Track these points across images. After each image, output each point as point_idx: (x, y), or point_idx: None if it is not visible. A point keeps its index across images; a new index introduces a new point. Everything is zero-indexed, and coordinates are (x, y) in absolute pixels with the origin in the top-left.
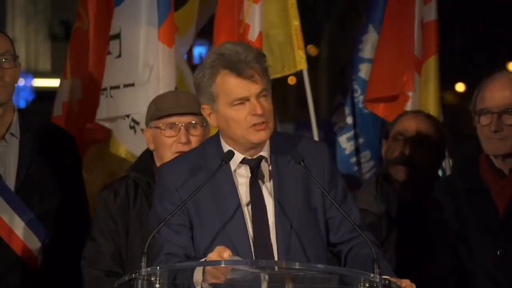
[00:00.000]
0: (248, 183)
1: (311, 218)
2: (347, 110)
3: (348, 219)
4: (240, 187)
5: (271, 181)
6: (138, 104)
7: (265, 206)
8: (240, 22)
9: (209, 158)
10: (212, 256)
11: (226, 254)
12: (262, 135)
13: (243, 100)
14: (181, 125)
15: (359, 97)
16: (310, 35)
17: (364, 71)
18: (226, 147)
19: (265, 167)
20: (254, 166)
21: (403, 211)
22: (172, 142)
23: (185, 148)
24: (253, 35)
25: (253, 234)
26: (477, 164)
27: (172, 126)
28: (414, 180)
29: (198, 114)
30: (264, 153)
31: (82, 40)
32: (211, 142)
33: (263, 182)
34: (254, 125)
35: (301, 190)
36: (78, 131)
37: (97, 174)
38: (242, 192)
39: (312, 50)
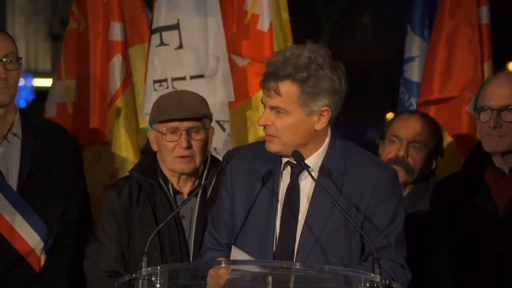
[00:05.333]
0: (287, 186)
1: (343, 235)
2: None
3: (367, 239)
4: (283, 187)
5: (311, 190)
6: (209, 94)
7: (297, 212)
8: (244, 12)
9: (269, 152)
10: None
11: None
12: (267, 145)
13: (263, 105)
14: (183, 130)
15: (404, 98)
16: (310, 35)
17: (408, 72)
18: None
19: (309, 175)
20: (296, 171)
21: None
22: (173, 146)
23: (187, 153)
24: (263, 26)
25: (278, 236)
26: (477, 163)
27: (173, 131)
28: (409, 181)
29: (200, 118)
30: (311, 161)
31: (78, 41)
32: None
33: (304, 190)
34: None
35: (341, 206)
36: (73, 132)
37: (95, 175)
38: (282, 192)
39: None
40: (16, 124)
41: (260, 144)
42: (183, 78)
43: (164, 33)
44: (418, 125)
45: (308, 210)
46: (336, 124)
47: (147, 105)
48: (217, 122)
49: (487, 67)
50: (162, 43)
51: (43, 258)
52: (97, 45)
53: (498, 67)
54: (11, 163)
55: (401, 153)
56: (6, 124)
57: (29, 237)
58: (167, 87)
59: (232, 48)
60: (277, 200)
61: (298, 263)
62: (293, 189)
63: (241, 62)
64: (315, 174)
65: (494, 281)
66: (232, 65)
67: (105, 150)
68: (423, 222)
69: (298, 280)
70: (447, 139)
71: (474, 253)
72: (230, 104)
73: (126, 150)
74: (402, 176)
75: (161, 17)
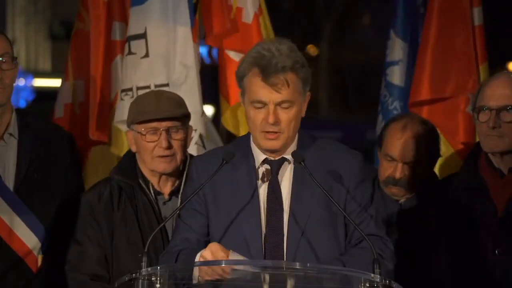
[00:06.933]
0: (268, 183)
1: (328, 222)
2: (381, 117)
3: (355, 226)
4: (260, 185)
5: (291, 183)
6: None
7: (281, 207)
8: (230, 7)
9: (237, 153)
10: (205, 254)
11: (220, 254)
12: (271, 144)
13: (262, 104)
14: (162, 130)
15: (387, 101)
16: (310, 35)
17: (392, 75)
18: (253, 145)
19: (288, 169)
20: (275, 167)
21: (401, 212)
22: (153, 146)
23: (167, 153)
24: (248, 18)
25: (265, 233)
26: (476, 163)
27: (153, 131)
28: (410, 195)
29: (179, 117)
30: (288, 155)
31: (84, 41)
32: (244, 138)
33: (283, 183)
34: (266, 132)
35: (321, 194)
36: (80, 133)
37: (98, 175)
38: (261, 191)
39: (312, 50)
40: (12, 124)
41: (225, 147)
42: (148, 87)
43: (132, 42)
44: (413, 144)
45: (290, 204)
46: (336, 124)
47: (117, 114)
48: None
49: (482, 69)
50: (130, 52)
51: (40, 258)
52: (99, 45)
53: (495, 69)
54: (8, 163)
55: (398, 175)
56: (3, 124)
57: (27, 237)
58: (132, 96)
59: (226, 44)
60: (258, 198)
61: (298, 263)
62: (275, 186)
63: (236, 56)
64: (292, 166)
65: (493, 281)
66: (229, 61)
67: (107, 150)
68: (422, 222)
69: (297, 280)
70: (442, 139)
71: (473, 254)
72: (228, 101)
73: (126, 150)
74: (401, 193)
75: (131, 26)
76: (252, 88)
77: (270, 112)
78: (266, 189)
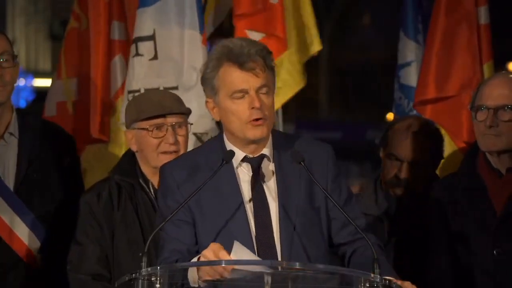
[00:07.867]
0: (250, 182)
1: (313, 218)
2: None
3: (351, 222)
4: (243, 185)
5: (274, 180)
6: None
7: (267, 205)
8: None
9: (212, 156)
10: (207, 254)
11: (222, 253)
12: (259, 131)
13: (242, 93)
14: (168, 126)
15: (403, 104)
16: None
17: (405, 77)
18: (228, 145)
19: (267, 166)
20: (256, 164)
21: (402, 212)
22: (158, 142)
23: (173, 148)
24: None
25: (256, 233)
26: (475, 163)
27: (159, 127)
28: (410, 194)
29: (182, 113)
30: (266, 151)
31: (79, 40)
32: (215, 140)
33: (266, 181)
34: (252, 120)
35: (304, 189)
36: (73, 132)
37: (95, 174)
38: (244, 191)
39: None
40: (13, 124)
41: (191, 153)
42: (157, 89)
43: (139, 44)
44: (417, 144)
45: (279, 200)
46: (336, 124)
47: (123, 115)
48: (195, 134)
49: (487, 67)
50: (137, 54)
51: (39, 258)
52: (98, 45)
53: (499, 67)
54: (8, 162)
55: (403, 175)
56: (3, 123)
57: (26, 237)
58: None
59: (248, 24)
60: (243, 198)
61: (297, 263)
62: (258, 184)
63: (256, 36)
64: (271, 163)
65: (492, 281)
66: None
67: (105, 149)
68: (422, 222)
69: (297, 280)
70: (446, 138)
71: (473, 254)
72: None
73: (126, 150)
74: (405, 194)
75: (138, 28)
76: (228, 79)
77: (253, 97)
78: (249, 187)
